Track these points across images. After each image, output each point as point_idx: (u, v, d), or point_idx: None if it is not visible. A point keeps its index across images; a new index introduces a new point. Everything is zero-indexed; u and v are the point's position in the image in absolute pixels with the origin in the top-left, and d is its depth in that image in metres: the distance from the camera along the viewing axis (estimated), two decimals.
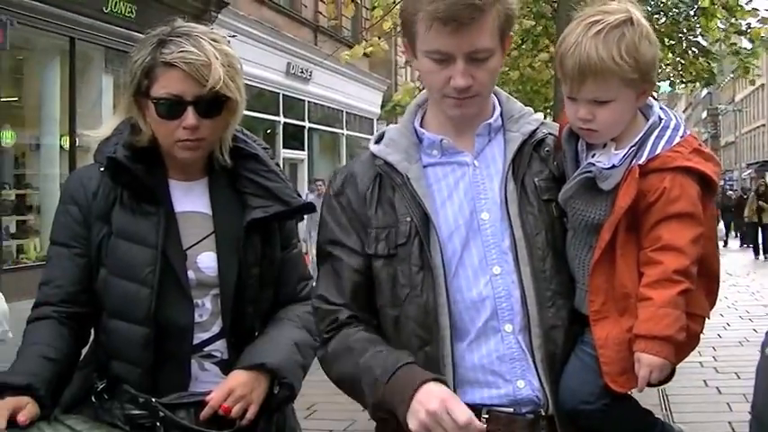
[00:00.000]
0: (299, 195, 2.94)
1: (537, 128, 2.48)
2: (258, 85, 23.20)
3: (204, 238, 2.74)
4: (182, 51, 2.59)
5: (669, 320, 2.20)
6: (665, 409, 7.78)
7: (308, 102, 28.84)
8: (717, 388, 8.91)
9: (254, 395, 2.62)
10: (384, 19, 13.44)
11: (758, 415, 2.32)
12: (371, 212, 2.43)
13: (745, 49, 13.36)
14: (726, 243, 34.27)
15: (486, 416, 2.31)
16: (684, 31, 13.69)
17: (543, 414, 2.34)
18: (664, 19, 13.12)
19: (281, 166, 2.92)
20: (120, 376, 2.67)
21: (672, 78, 15.26)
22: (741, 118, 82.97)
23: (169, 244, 2.68)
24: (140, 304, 2.63)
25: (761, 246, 28.45)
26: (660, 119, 2.34)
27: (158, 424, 2.58)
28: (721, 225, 34.77)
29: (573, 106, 2.34)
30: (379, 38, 13.53)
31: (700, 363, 9.51)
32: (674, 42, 13.18)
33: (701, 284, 2.33)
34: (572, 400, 2.31)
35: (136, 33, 14.71)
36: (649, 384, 2.27)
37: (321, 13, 27.79)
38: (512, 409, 2.33)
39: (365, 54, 13.43)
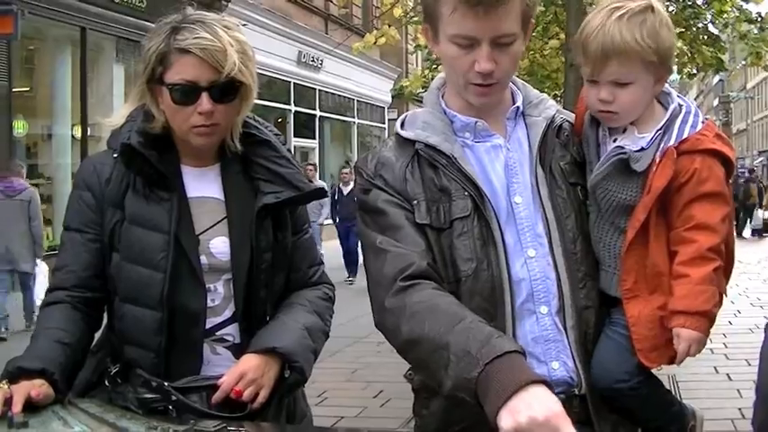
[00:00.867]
0: (311, 182, 2.96)
1: (556, 113, 2.52)
2: (269, 73, 23.18)
3: (217, 224, 2.76)
4: (196, 38, 2.61)
5: (706, 296, 2.30)
6: (676, 396, 7.77)
7: (319, 90, 28.87)
8: (727, 374, 8.92)
9: (266, 379, 2.64)
10: (395, 6, 13.43)
11: (764, 397, 2.34)
12: (413, 187, 2.41)
13: (755, 33, 13.28)
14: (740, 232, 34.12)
15: None
16: (693, 18, 13.63)
17: (576, 394, 2.37)
18: (674, 7, 13.07)
19: (292, 154, 2.94)
20: (132, 360, 2.70)
21: (681, 67, 15.20)
22: (753, 105, 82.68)
23: (182, 229, 2.70)
24: (153, 289, 2.65)
25: None
26: (680, 105, 2.42)
27: (171, 407, 2.60)
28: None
29: (593, 89, 2.41)
30: (390, 26, 13.50)
31: (710, 349, 9.50)
32: (683, 30, 13.12)
33: None
34: (606, 378, 2.36)
35: (147, 23, 14.76)
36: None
37: (332, 1, 27.83)
38: None
39: (375, 42, 13.40)
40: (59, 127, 17.90)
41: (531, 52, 14.02)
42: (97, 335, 2.82)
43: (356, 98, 32.28)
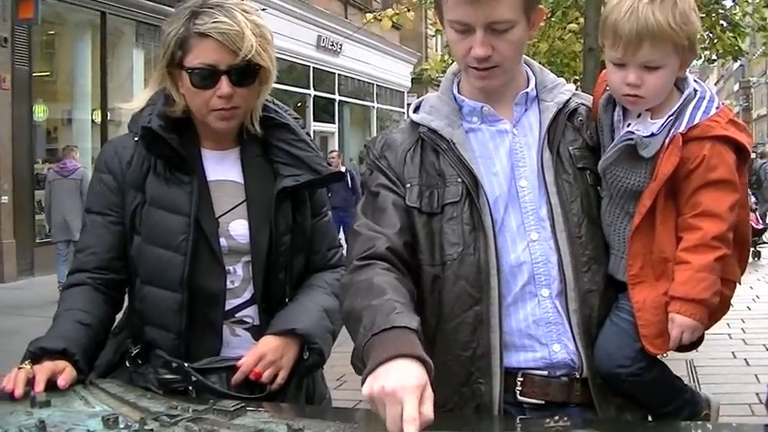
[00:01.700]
0: (330, 164, 2.98)
1: (570, 98, 2.52)
2: (288, 58, 23.19)
3: (236, 206, 2.78)
4: (215, 22, 2.63)
5: (705, 284, 2.28)
6: (693, 381, 7.77)
7: (339, 75, 28.83)
8: (745, 359, 8.86)
9: (285, 360, 2.67)
10: None
11: None
12: (410, 171, 2.47)
13: None
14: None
15: (521, 379, 2.37)
16: (714, 3, 13.55)
17: (578, 377, 2.38)
18: None
19: (312, 138, 2.96)
20: (153, 342, 2.72)
21: (701, 52, 15.12)
22: None
23: (202, 212, 2.72)
24: (174, 271, 2.68)
25: None
26: (695, 90, 2.39)
27: (191, 388, 2.62)
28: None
29: (621, 72, 2.37)
30: (409, 10, 13.49)
31: (728, 335, 9.46)
32: (703, 15, 13.04)
33: (734, 251, 2.38)
34: (608, 363, 2.36)
35: (167, 7, 14.79)
36: (680, 348, 2.33)
37: None
38: (546, 372, 2.38)
39: (393, 25, 13.38)
40: (79, 111, 17.97)
41: (551, 39, 13.94)
42: (118, 316, 2.85)
43: (375, 83, 32.24)
